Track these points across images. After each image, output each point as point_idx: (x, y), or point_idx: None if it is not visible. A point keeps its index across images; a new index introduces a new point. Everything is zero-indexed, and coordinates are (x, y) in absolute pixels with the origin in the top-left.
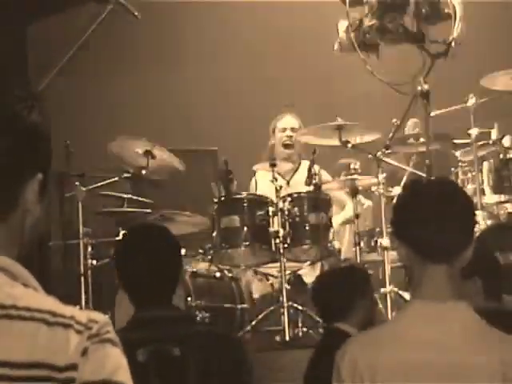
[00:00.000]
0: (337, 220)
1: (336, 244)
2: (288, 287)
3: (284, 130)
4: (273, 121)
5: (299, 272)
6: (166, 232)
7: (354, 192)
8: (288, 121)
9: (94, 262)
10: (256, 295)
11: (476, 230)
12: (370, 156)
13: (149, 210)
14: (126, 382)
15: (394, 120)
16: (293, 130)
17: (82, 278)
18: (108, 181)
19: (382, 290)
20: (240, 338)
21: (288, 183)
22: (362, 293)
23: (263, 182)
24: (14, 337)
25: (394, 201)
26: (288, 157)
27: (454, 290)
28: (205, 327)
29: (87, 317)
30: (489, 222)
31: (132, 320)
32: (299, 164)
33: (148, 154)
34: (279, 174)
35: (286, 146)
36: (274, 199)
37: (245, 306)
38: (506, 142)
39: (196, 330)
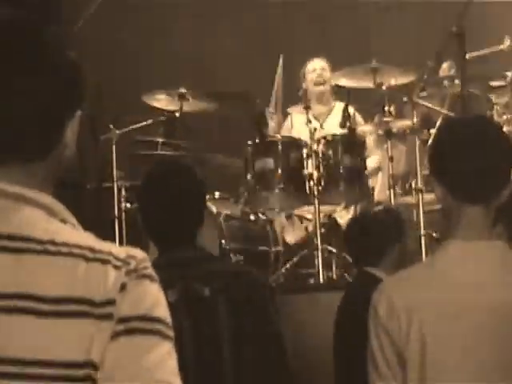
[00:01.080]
0: None
1: (370, 187)
2: (322, 230)
3: (314, 70)
4: (302, 68)
5: (334, 215)
6: (188, 171)
7: (388, 135)
8: (317, 62)
9: (128, 205)
10: (291, 241)
11: None
12: (404, 99)
13: (182, 153)
14: (164, 317)
15: (429, 62)
16: (322, 69)
17: (116, 221)
18: (142, 124)
19: (417, 232)
20: (265, 277)
21: (322, 125)
22: (396, 237)
23: (298, 125)
24: (53, 272)
25: (431, 140)
26: (321, 96)
27: (491, 230)
28: (230, 266)
29: (126, 252)
30: None
31: (155, 262)
32: (333, 106)
33: (182, 97)
34: (313, 116)
35: (317, 83)
36: (309, 141)
37: (279, 248)
38: None
39: (222, 269)
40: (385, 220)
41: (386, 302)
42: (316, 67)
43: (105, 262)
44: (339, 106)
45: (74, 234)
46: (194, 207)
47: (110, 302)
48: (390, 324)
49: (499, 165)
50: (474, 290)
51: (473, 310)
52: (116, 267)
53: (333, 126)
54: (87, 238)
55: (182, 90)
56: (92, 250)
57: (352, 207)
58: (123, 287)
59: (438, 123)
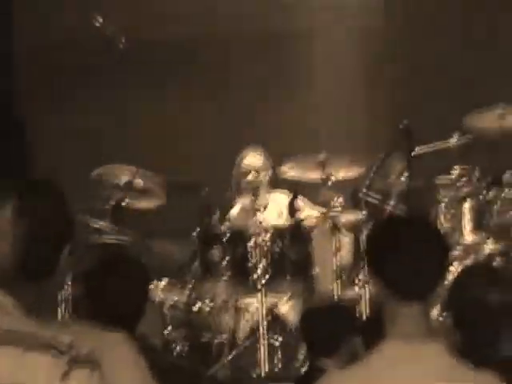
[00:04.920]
0: None
1: (314, 278)
2: (266, 321)
3: (248, 172)
4: (238, 158)
5: (278, 306)
6: (134, 262)
7: (335, 227)
8: (250, 162)
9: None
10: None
11: (453, 269)
12: (352, 191)
13: (127, 238)
14: None
15: (381, 155)
16: (256, 171)
17: (60, 307)
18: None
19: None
20: (200, 370)
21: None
22: (351, 331)
23: (245, 214)
24: None
25: (370, 236)
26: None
27: (427, 327)
28: (164, 358)
29: (68, 340)
30: (467, 262)
31: None
32: (273, 195)
33: (129, 185)
34: (257, 205)
35: (252, 189)
36: (255, 232)
37: (223, 338)
38: (487, 181)
39: (158, 360)
40: (338, 314)
41: None
42: (250, 169)
43: (47, 348)
44: (281, 195)
45: (18, 320)
46: (134, 303)
47: None
48: None
49: (435, 266)
50: None
51: None
52: (58, 354)
53: (271, 214)
54: (30, 325)
55: (130, 178)
56: (34, 336)
57: (296, 298)
58: (65, 374)
59: (384, 216)
